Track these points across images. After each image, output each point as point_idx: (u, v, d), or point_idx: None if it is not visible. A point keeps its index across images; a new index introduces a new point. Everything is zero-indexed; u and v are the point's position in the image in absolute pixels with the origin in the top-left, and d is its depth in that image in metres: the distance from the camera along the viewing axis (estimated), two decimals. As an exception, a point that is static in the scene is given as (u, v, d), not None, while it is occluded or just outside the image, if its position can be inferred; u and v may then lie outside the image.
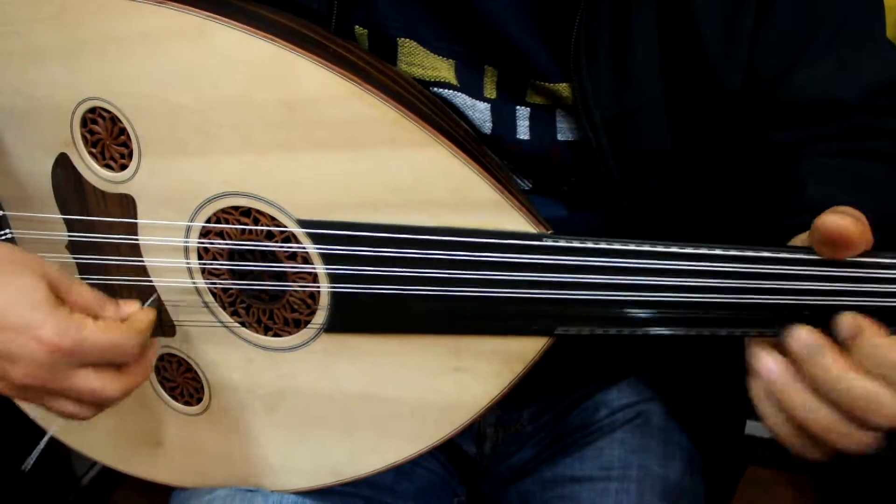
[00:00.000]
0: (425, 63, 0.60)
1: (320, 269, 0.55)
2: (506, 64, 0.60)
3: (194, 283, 0.59)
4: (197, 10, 0.51)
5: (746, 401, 0.45)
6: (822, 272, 0.45)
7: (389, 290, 0.53)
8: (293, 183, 0.53)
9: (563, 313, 0.51)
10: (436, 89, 0.60)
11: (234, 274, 0.58)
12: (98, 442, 0.69)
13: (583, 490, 0.72)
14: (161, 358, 0.64)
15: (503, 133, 0.61)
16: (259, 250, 0.56)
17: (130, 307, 0.54)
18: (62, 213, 0.61)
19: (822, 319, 0.44)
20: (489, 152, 0.60)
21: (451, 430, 0.58)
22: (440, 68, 0.60)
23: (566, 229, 0.51)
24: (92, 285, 0.54)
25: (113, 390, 0.52)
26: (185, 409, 0.65)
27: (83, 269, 0.62)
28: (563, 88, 0.59)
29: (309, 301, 0.57)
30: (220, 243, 0.57)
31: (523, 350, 0.54)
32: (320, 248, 0.54)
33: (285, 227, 0.55)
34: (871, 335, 0.42)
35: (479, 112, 0.60)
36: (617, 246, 0.49)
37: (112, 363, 0.52)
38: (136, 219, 0.58)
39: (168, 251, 0.58)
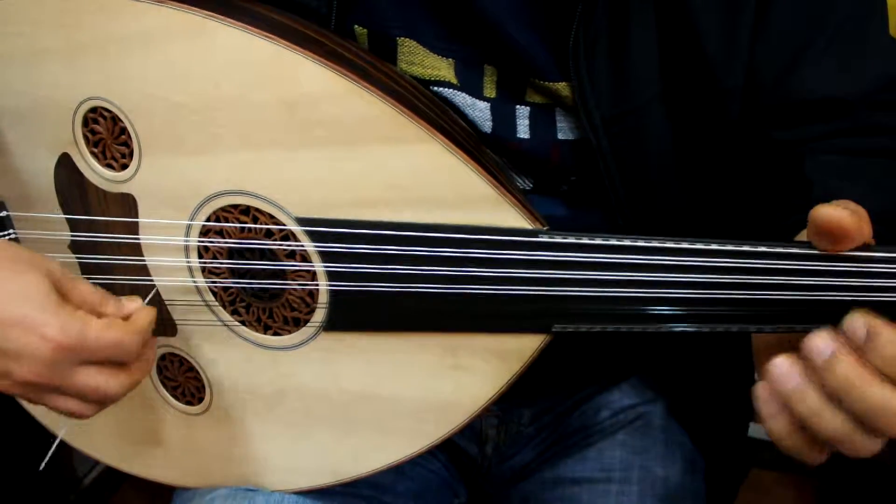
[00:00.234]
0: (425, 62, 0.60)
1: (319, 267, 0.55)
2: (505, 63, 0.60)
3: (195, 281, 0.59)
4: (197, 9, 0.51)
5: (749, 402, 0.45)
6: (815, 267, 0.45)
7: (388, 287, 0.54)
8: (292, 181, 0.54)
9: (560, 310, 0.51)
10: (436, 88, 0.60)
11: (234, 272, 0.58)
12: (100, 441, 0.69)
13: (583, 491, 0.72)
14: (162, 357, 0.64)
15: (503, 132, 0.61)
16: (258, 248, 0.57)
17: (132, 305, 0.55)
18: (64, 213, 0.61)
19: (827, 316, 0.43)
20: (488, 151, 0.60)
21: (450, 428, 0.58)
22: (440, 67, 0.60)
23: (566, 229, 0.51)
24: (93, 285, 0.54)
25: (115, 388, 0.52)
26: (186, 408, 0.65)
27: (85, 269, 0.62)
28: (562, 87, 0.59)
29: (308, 299, 0.57)
30: (220, 242, 0.57)
31: (521, 348, 0.54)
32: (319, 246, 0.54)
33: (284, 225, 0.55)
34: (889, 335, 0.40)
35: (479, 111, 0.60)
36: (613, 242, 0.49)
37: (114, 361, 0.52)
38: (137, 218, 0.59)
39: (169, 250, 0.59)
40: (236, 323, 0.60)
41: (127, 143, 0.57)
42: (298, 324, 0.58)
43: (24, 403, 0.67)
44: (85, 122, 0.57)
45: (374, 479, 0.68)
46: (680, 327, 0.50)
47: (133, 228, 0.59)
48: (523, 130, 0.61)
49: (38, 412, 0.69)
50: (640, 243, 0.48)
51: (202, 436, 0.66)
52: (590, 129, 0.58)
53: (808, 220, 0.43)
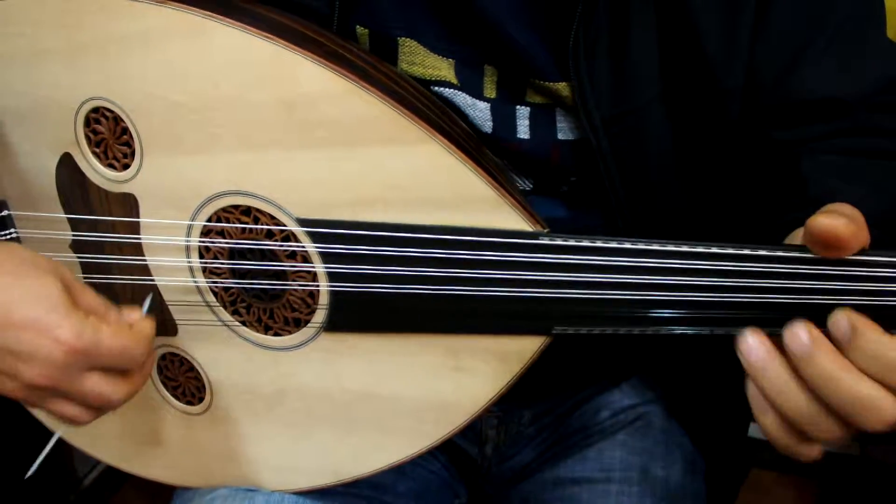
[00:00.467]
0: (426, 63, 0.60)
1: (319, 267, 0.55)
2: (505, 63, 0.60)
3: (196, 282, 0.59)
4: (197, 9, 0.51)
5: (748, 403, 0.45)
6: (813, 271, 0.45)
7: (388, 288, 0.54)
8: (292, 181, 0.54)
9: (561, 312, 0.51)
10: (436, 88, 0.60)
11: (235, 273, 0.58)
12: (100, 441, 0.70)
13: (583, 492, 0.72)
14: (163, 357, 0.64)
15: (504, 132, 0.61)
16: (259, 249, 0.57)
17: (134, 314, 0.55)
18: (66, 213, 0.61)
19: (826, 319, 0.43)
20: (488, 152, 0.60)
21: (450, 429, 0.58)
22: (440, 68, 0.60)
23: (566, 230, 0.51)
24: (94, 285, 0.54)
25: (117, 395, 0.53)
26: (186, 408, 0.65)
27: (86, 269, 0.62)
28: (562, 88, 0.59)
29: (308, 300, 0.57)
30: (220, 242, 0.57)
31: (521, 349, 0.54)
32: (319, 247, 0.54)
33: (285, 225, 0.55)
34: (871, 333, 0.41)
35: (480, 111, 0.60)
36: (613, 244, 0.48)
37: (119, 368, 0.53)
38: (138, 218, 0.59)
39: (170, 250, 0.59)
40: (237, 323, 0.60)
41: (128, 144, 0.57)
42: (299, 324, 0.58)
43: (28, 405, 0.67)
44: (87, 123, 0.57)
45: (375, 480, 0.68)
46: (680, 330, 0.50)
47: (134, 228, 0.59)
48: (523, 131, 0.61)
49: (40, 412, 0.69)
50: (640, 246, 0.48)
51: (202, 436, 0.66)
52: (590, 130, 0.58)
53: (805, 229, 0.43)
